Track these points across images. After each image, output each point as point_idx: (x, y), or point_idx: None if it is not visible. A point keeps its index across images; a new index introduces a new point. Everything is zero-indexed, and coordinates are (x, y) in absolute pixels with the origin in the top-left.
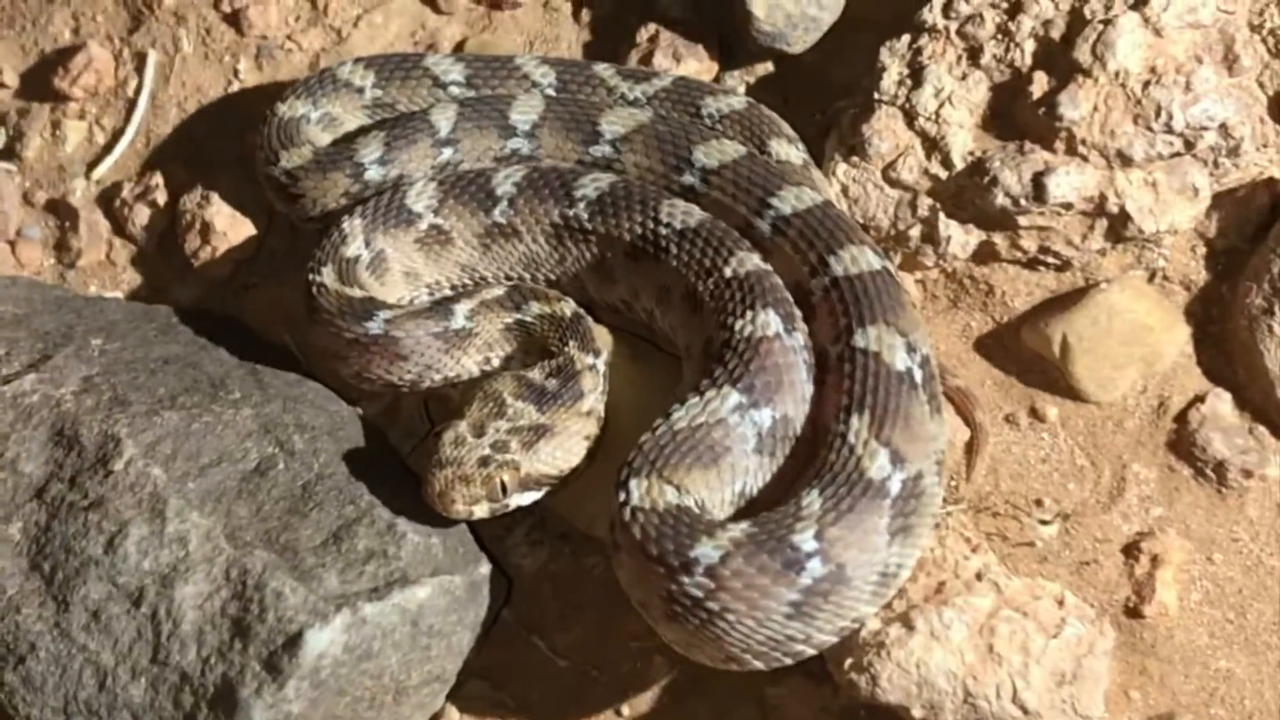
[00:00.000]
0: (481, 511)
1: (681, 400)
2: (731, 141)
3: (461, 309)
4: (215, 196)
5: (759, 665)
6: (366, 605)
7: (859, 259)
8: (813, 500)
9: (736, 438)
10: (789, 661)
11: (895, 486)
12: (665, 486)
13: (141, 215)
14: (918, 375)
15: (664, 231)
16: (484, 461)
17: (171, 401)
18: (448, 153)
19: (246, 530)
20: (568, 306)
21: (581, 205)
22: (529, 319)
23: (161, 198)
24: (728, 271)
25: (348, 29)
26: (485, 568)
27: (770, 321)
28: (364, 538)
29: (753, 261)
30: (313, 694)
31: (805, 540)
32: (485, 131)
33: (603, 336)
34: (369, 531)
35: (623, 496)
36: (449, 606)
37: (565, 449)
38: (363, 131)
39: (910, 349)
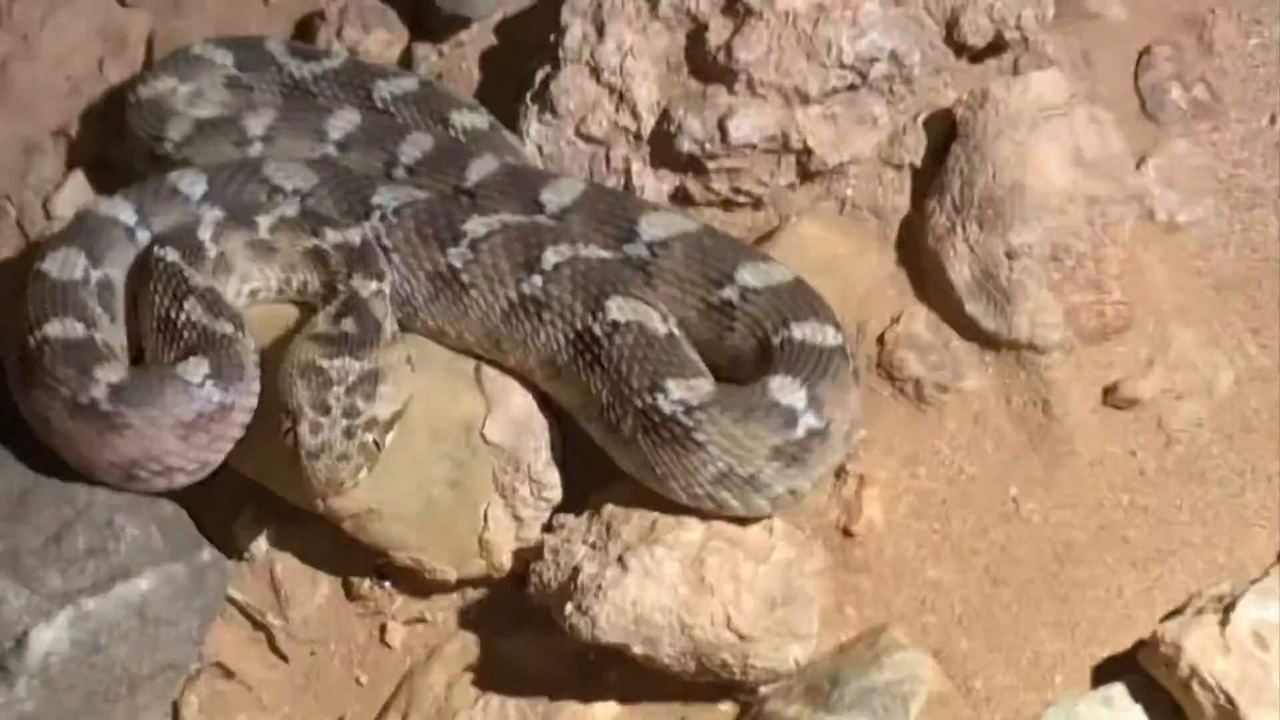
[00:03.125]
0: (364, 475)
1: None
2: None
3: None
4: None
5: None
6: (89, 600)
7: None
8: None
9: None
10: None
11: None
12: None
13: None
14: None
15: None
16: (349, 433)
17: None
18: None
19: None
20: (356, 235)
21: None
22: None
23: None
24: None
25: (33, 31)
26: (207, 553)
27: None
28: (83, 535)
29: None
30: (44, 692)
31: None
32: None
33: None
34: (87, 529)
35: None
36: (174, 594)
37: (398, 381)
38: None
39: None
